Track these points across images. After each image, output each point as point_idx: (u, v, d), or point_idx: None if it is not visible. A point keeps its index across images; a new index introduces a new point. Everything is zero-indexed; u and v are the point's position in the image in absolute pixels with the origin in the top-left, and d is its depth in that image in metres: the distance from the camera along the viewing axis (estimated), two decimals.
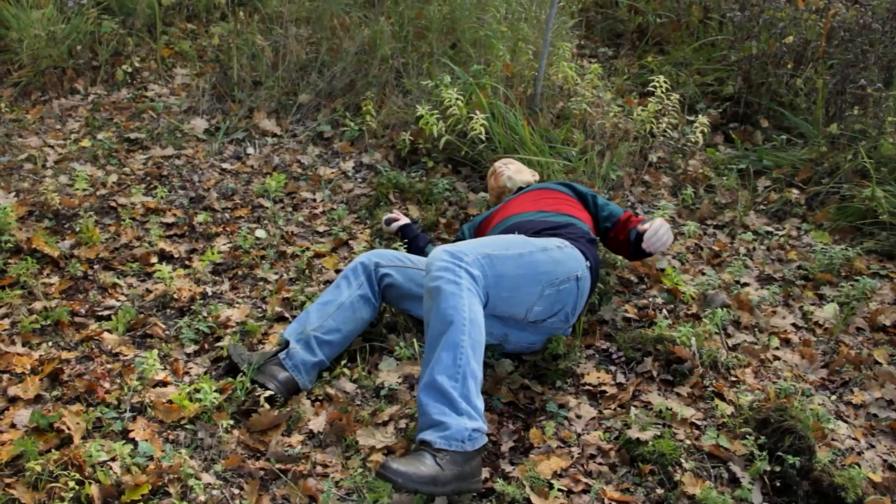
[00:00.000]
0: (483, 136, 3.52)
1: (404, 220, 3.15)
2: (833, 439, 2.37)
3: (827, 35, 4.13)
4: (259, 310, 2.80)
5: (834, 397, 2.59)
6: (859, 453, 2.35)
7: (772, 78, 4.31)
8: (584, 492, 2.08)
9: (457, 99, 3.55)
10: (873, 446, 2.41)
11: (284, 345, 2.44)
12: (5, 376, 2.41)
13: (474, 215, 3.41)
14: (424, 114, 3.54)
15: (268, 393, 2.28)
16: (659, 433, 2.22)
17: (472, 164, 3.72)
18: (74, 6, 4.40)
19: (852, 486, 2.07)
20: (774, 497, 2.11)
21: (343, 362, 2.52)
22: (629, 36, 5.19)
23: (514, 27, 4.17)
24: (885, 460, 2.35)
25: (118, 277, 2.91)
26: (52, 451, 2.10)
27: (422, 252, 2.96)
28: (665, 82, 3.71)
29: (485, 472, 2.11)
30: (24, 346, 2.56)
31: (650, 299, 2.97)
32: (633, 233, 2.75)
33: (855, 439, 2.41)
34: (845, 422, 2.48)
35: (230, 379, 2.38)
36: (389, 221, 3.15)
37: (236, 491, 2.05)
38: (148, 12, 4.62)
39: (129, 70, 4.39)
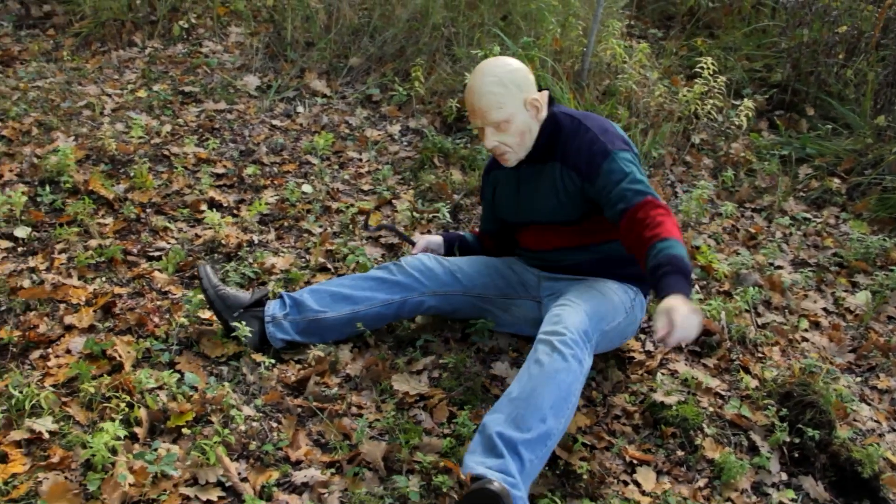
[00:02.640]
0: None
1: (436, 238, 2.70)
2: (855, 419, 2.42)
3: (882, 26, 4.10)
4: (303, 259, 2.90)
5: (860, 380, 2.63)
6: (881, 435, 2.40)
7: (821, 67, 4.30)
8: (607, 448, 2.16)
9: None
10: (895, 430, 2.45)
11: (265, 297, 2.42)
12: (62, 306, 2.54)
13: None
14: None
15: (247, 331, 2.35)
16: (683, 399, 2.29)
17: None
18: None
19: (869, 461, 2.12)
20: (792, 467, 2.18)
21: None
22: (680, 18, 5.19)
23: (566, 2, 4.20)
24: None
25: (169, 221, 3.03)
26: (105, 375, 2.23)
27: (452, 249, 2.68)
28: (713, 64, 3.72)
29: None
30: (79, 279, 2.69)
31: None
32: (649, 258, 2.00)
33: (877, 422, 2.45)
34: (869, 405, 2.53)
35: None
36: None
37: (274, 424, 2.16)
38: None
39: (186, 26, 4.50)
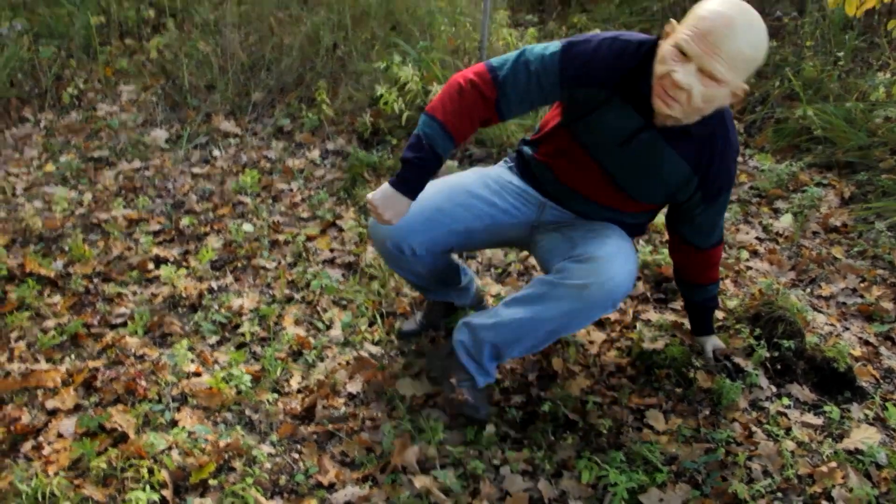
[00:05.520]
0: None
1: None
2: (814, 327, 2.64)
3: None
4: (267, 295, 2.91)
5: (807, 292, 2.87)
6: (838, 335, 2.63)
7: None
8: (613, 403, 2.29)
9: (413, 75, 3.70)
10: (848, 329, 2.69)
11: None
12: (39, 392, 2.47)
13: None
14: (384, 93, 3.68)
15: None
16: (667, 342, 2.45)
17: None
18: (9, 34, 4.37)
19: (841, 357, 2.35)
20: (777, 379, 2.37)
21: (363, 327, 2.67)
22: (552, 1, 5.43)
23: (451, 1, 4.35)
24: (860, 338, 2.64)
25: (121, 287, 2.97)
26: (110, 449, 2.19)
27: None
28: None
29: (520, 399, 2.31)
30: (48, 362, 2.61)
31: None
32: (705, 290, 2.33)
33: (832, 325, 2.69)
34: (820, 312, 2.76)
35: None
36: None
37: (296, 455, 2.19)
38: (83, 33, 4.62)
39: (75, 93, 4.39)
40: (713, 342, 2.42)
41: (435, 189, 2.19)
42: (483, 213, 2.22)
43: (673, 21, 1.83)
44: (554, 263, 2.08)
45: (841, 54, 4.06)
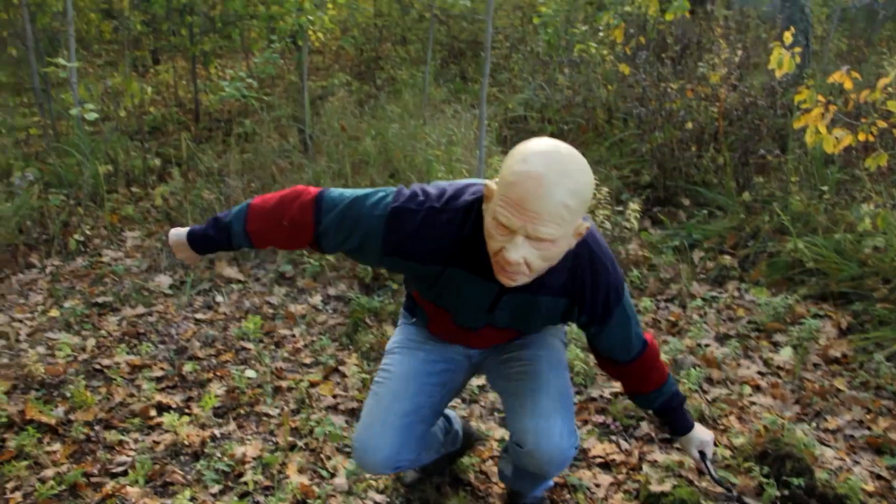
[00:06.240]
0: None
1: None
2: (823, 462, 2.62)
3: (722, 116, 4.66)
4: (270, 443, 2.88)
5: (813, 427, 2.85)
6: (848, 470, 2.60)
7: (681, 161, 4.79)
8: None
9: None
10: (858, 462, 2.66)
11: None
12: None
13: None
14: None
15: None
16: (675, 483, 2.42)
17: None
18: (21, 183, 4.53)
19: (854, 493, 2.32)
20: None
21: (368, 475, 2.63)
22: None
23: (448, 149, 4.54)
24: (871, 472, 2.61)
25: (122, 434, 2.95)
26: None
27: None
28: (594, 178, 4.09)
29: None
30: None
31: None
32: (661, 395, 2.14)
33: (841, 459, 2.66)
34: (828, 447, 2.74)
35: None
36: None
37: None
38: (91, 182, 4.78)
39: (81, 239, 4.50)
40: (697, 439, 2.15)
41: (388, 396, 2.11)
42: (435, 383, 2.15)
43: (489, 183, 1.67)
44: (504, 402, 2.19)
45: (825, 188, 4.21)
